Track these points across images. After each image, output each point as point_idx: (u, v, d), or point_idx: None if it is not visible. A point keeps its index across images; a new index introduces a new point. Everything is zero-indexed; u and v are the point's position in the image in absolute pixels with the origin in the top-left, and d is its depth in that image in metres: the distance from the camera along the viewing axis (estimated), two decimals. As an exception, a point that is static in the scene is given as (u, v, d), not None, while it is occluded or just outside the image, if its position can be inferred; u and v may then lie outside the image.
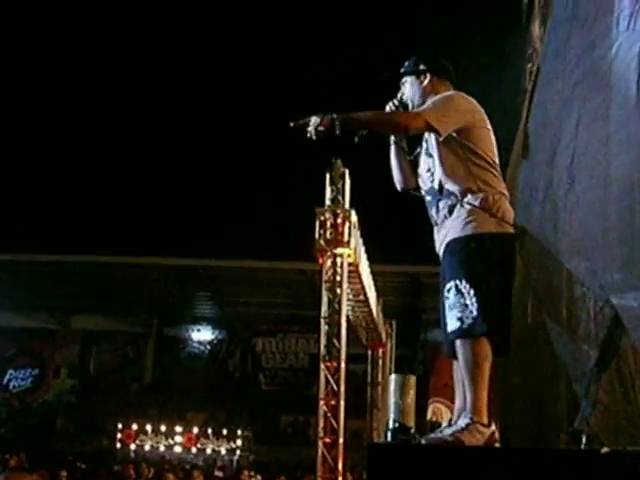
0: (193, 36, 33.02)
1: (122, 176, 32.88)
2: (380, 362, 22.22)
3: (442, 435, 4.27)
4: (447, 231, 4.64)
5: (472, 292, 4.35)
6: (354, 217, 13.45)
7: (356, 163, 13.65)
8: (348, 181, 13.37)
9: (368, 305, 17.37)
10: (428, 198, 4.82)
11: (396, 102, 4.93)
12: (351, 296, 15.47)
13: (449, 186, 4.64)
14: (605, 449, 3.61)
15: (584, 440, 3.83)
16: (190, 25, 33.63)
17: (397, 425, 4.41)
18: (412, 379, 4.61)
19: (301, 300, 29.17)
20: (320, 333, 13.17)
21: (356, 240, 13.83)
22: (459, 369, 4.57)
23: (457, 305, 4.38)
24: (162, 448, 26.12)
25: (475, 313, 4.32)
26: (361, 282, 15.35)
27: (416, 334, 30.70)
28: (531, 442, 5.73)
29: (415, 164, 4.98)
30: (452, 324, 4.41)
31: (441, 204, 4.67)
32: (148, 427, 26.34)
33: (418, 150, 4.97)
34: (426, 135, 4.81)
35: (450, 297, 4.43)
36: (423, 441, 4.32)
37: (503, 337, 4.48)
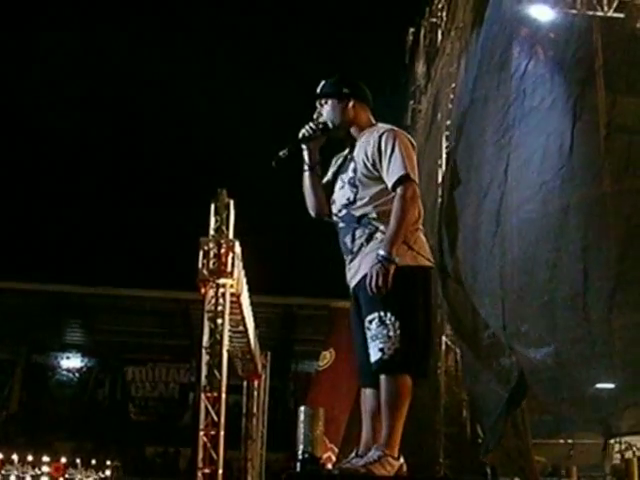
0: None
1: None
2: (255, 393, 22.22)
3: (354, 465, 4.39)
4: (363, 261, 4.63)
5: (397, 324, 4.42)
6: (238, 248, 13.55)
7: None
8: (233, 212, 13.47)
9: (247, 336, 17.41)
10: (342, 225, 4.80)
11: (313, 125, 4.87)
12: (229, 326, 15.47)
13: (372, 216, 4.64)
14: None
15: (489, 472, 4.00)
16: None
17: (307, 456, 4.49)
18: (321, 411, 4.71)
19: (173, 329, 29.03)
20: (201, 363, 13.18)
21: (239, 271, 13.93)
22: (367, 400, 4.68)
23: (380, 336, 4.43)
24: (28, 478, 25.30)
25: (398, 345, 4.40)
26: (242, 313, 15.41)
27: (287, 366, 30.84)
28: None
29: (329, 190, 4.95)
30: (374, 354, 4.47)
31: (358, 232, 4.67)
32: (14, 456, 25.54)
33: (328, 177, 4.99)
34: (353, 165, 4.80)
35: (372, 328, 4.47)
36: (335, 471, 4.44)
37: (424, 365, 4.64)
